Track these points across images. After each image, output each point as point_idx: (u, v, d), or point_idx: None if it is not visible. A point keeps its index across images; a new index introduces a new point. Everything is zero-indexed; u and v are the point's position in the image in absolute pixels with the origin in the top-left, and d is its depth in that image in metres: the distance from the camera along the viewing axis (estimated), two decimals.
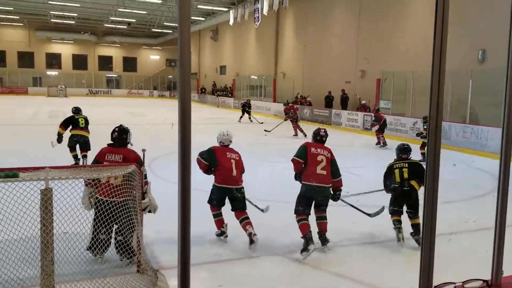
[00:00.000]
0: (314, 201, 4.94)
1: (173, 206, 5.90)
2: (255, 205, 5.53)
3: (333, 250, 4.98)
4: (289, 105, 16.14)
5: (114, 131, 4.78)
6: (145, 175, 4.54)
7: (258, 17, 25.19)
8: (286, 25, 27.28)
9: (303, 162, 4.94)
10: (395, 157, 5.53)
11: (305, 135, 14.34)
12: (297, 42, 26.17)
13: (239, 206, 5.04)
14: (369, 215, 5.54)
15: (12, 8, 34.47)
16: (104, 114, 20.51)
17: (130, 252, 4.23)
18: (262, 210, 5.58)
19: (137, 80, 47.41)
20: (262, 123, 18.98)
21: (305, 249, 4.62)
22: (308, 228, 4.76)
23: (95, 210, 4.23)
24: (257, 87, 29.86)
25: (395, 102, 17.41)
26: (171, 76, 48.28)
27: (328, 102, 21.33)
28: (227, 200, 5.13)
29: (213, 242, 5.07)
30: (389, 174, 5.35)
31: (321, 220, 4.98)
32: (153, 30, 42.93)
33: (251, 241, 4.81)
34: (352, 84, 20.78)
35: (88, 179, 4.25)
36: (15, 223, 3.60)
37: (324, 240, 4.92)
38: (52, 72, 43.81)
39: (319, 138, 5.16)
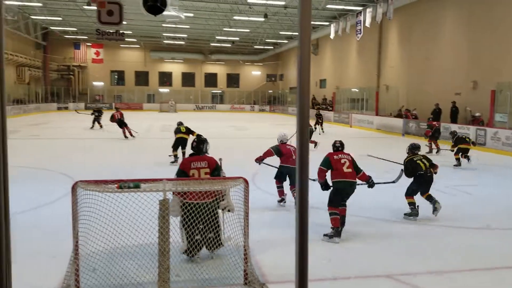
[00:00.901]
0: (343, 195, 5.92)
1: (273, 217, 6.05)
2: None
3: (454, 278, 4.62)
4: None
5: (194, 141, 5.49)
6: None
7: (360, 29, 24.80)
8: (389, 36, 26.43)
9: (327, 169, 6.00)
10: (408, 153, 6.99)
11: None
12: (401, 54, 25.17)
13: (294, 181, 6.89)
14: (393, 182, 6.86)
15: (131, 32, 38.07)
16: (209, 128, 21.59)
17: (218, 245, 4.64)
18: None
19: (239, 95, 49.22)
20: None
21: (331, 236, 5.64)
22: (339, 222, 5.74)
23: (184, 214, 4.44)
24: (358, 100, 29.23)
25: None
26: (271, 91, 49.37)
27: (435, 115, 20.09)
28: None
29: (318, 257, 5.02)
30: (412, 164, 6.72)
31: (344, 206, 5.93)
32: (255, 47, 44.38)
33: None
34: (463, 96, 19.36)
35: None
36: (136, 230, 3.94)
37: (343, 222, 5.78)
38: (164, 90, 47.37)
39: (337, 147, 6.30)
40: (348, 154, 6.16)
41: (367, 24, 23.58)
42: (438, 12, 21.39)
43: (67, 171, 9.89)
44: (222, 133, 20.47)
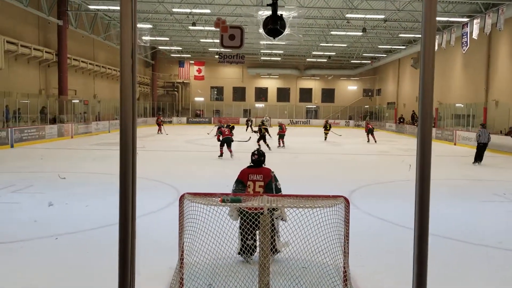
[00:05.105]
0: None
1: (370, 241, 5.76)
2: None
3: None
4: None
5: (253, 154, 5.60)
6: (280, 189, 5.31)
7: (466, 41, 23.28)
8: (500, 49, 24.40)
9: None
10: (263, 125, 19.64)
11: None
12: None
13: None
14: (246, 141, 18.49)
15: (230, 50, 39.79)
16: (302, 143, 21.66)
17: (273, 252, 4.70)
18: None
19: (334, 110, 48.70)
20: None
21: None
22: None
23: (241, 220, 4.75)
24: (463, 116, 27.30)
25: None
26: (367, 106, 48.14)
27: None
28: None
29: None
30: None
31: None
32: (351, 61, 43.73)
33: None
34: None
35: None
36: (232, 244, 4.06)
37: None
38: (259, 104, 48.55)
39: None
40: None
41: (474, 35, 22.06)
42: None
43: (171, 182, 10.55)
44: (315, 148, 20.37)
